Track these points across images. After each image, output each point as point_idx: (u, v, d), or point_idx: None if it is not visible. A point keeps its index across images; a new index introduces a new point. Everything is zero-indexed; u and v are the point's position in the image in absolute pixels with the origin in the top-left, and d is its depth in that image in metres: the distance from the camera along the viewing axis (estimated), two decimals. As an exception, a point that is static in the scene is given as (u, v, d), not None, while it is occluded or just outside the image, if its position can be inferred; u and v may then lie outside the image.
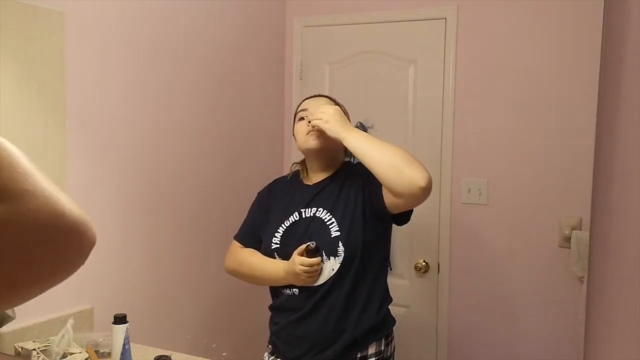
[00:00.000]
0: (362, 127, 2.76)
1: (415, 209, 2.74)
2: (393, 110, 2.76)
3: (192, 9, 2.33)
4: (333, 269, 1.64)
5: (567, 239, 2.41)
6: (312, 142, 1.68)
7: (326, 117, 1.60)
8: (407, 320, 2.79)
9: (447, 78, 2.65)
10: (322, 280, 1.65)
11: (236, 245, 1.84)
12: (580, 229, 2.40)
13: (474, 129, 2.62)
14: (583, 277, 2.32)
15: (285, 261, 1.67)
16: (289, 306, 1.71)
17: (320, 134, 1.65)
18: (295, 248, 1.64)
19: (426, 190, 1.52)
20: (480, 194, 2.62)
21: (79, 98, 1.86)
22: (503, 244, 2.58)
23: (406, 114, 2.74)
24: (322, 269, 1.63)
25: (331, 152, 1.73)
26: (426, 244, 2.74)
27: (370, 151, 1.55)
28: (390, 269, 2.77)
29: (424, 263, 2.74)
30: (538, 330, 2.53)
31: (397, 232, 2.77)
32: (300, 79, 2.96)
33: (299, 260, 1.58)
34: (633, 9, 0.93)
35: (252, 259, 1.76)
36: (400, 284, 2.80)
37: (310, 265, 1.58)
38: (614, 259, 0.98)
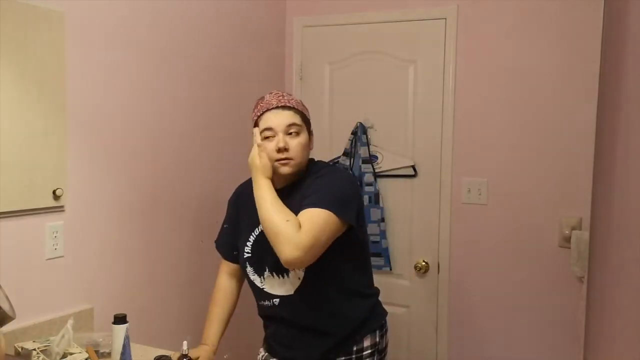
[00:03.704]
0: (362, 127, 2.77)
1: (414, 209, 2.75)
2: (393, 110, 2.76)
3: (192, 9, 2.33)
4: (299, 278, 1.64)
5: (567, 239, 2.41)
6: (285, 169, 1.63)
7: (250, 157, 1.61)
8: (407, 320, 2.79)
9: (447, 78, 2.65)
10: (291, 290, 1.66)
11: (221, 266, 1.90)
12: (580, 229, 2.41)
13: (474, 129, 2.62)
14: (583, 277, 2.32)
15: (207, 347, 1.79)
16: (272, 315, 1.73)
17: (294, 164, 1.62)
18: (266, 257, 1.66)
19: (298, 262, 1.48)
20: (480, 194, 2.62)
21: (79, 98, 1.86)
22: (503, 244, 2.58)
23: (406, 114, 2.74)
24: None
25: (301, 170, 1.68)
26: (426, 244, 2.74)
27: (260, 212, 1.54)
28: (390, 269, 2.77)
29: (424, 263, 2.74)
30: (538, 330, 2.53)
31: (397, 232, 2.79)
32: (300, 79, 2.96)
33: None
34: (633, 9, 0.92)
35: (210, 308, 1.87)
36: (400, 284, 2.80)
37: None
38: (614, 259, 0.98)
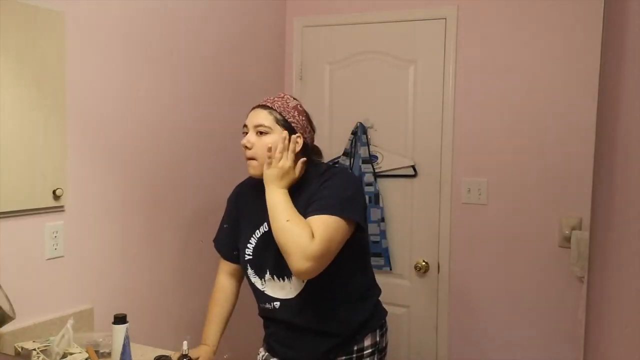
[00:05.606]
0: (362, 127, 2.77)
1: (414, 209, 2.75)
2: (393, 110, 2.76)
3: (192, 9, 2.33)
4: (303, 281, 1.64)
5: (567, 239, 2.42)
6: (249, 170, 1.67)
7: (275, 163, 1.58)
8: (407, 320, 2.79)
9: (447, 78, 2.65)
10: (294, 293, 1.65)
11: (220, 266, 1.90)
12: (580, 229, 2.41)
13: (474, 129, 2.62)
14: (583, 277, 2.32)
15: (207, 347, 1.79)
16: (273, 317, 1.73)
17: (257, 166, 1.64)
18: (268, 260, 1.67)
19: (310, 272, 1.48)
20: (480, 194, 2.62)
21: (79, 98, 1.86)
22: (503, 244, 2.58)
23: (406, 114, 2.74)
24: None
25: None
26: (426, 244, 2.74)
27: (272, 222, 1.54)
28: (390, 269, 2.77)
29: (424, 263, 2.74)
30: (538, 330, 2.53)
31: (397, 232, 2.79)
32: (300, 79, 2.96)
33: None
34: (633, 9, 0.92)
35: (210, 308, 1.87)
36: (400, 284, 2.80)
37: None
38: (614, 259, 0.98)
